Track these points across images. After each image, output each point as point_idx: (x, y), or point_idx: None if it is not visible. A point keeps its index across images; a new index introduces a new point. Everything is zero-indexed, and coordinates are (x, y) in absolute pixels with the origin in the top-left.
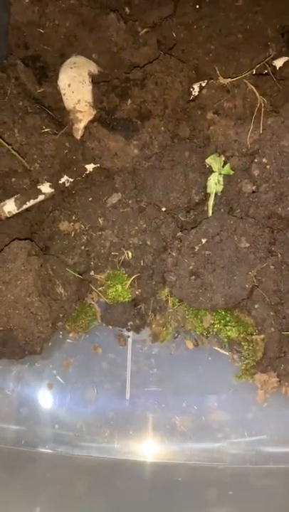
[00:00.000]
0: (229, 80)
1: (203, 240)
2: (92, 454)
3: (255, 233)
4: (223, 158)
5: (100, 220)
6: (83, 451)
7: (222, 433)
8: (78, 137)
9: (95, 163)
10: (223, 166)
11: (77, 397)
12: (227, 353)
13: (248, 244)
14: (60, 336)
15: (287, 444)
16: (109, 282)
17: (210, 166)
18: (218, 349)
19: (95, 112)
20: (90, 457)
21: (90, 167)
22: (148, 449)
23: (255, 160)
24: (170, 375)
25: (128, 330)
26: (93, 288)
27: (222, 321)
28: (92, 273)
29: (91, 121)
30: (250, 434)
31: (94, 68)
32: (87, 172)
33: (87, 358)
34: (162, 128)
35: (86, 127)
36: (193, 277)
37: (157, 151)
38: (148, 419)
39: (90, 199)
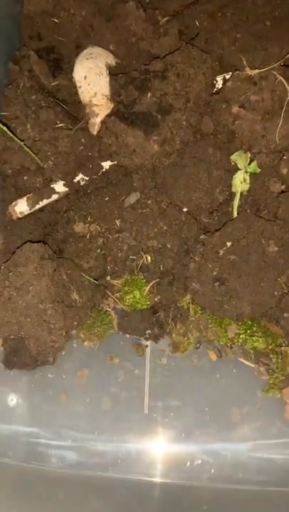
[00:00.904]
0: (256, 71)
1: (228, 244)
2: (105, 470)
3: (284, 236)
4: (249, 155)
5: (117, 221)
6: (96, 467)
7: (246, 450)
8: (94, 133)
9: (112, 161)
10: (249, 164)
11: (93, 409)
12: (253, 365)
13: (276, 248)
14: (75, 345)
15: None
16: (126, 288)
17: (235, 164)
18: (244, 361)
19: (112, 106)
20: (102, 475)
21: (106, 164)
22: (166, 467)
23: (284, 157)
24: (191, 388)
25: (146, 339)
26: (109, 294)
27: (248, 331)
28: (108, 278)
29: (108, 116)
30: (276, 452)
31: (111, 59)
32: (104, 170)
33: (102, 369)
34: (184, 123)
35: (103, 122)
36: (217, 284)
37: (179, 147)
38: (167, 434)
39: (107, 199)
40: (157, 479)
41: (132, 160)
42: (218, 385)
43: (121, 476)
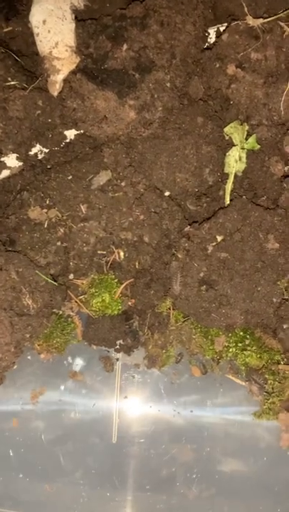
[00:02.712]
0: (260, 21)
1: (219, 238)
2: None
3: (286, 229)
4: (247, 128)
5: (82, 206)
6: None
7: (234, 489)
8: (55, 93)
9: (77, 130)
10: (246, 138)
11: (50, 434)
12: (244, 384)
13: (276, 245)
14: (29, 357)
15: None
16: (93, 290)
17: (229, 138)
18: (233, 378)
19: (78, 60)
20: None
21: (70, 134)
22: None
23: None
24: (168, 411)
25: (117, 351)
26: (72, 296)
27: (239, 344)
28: (71, 277)
29: (73, 73)
30: (269, 491)
31: (78, 0)
32: (67, 141)
33: (62, 387)
34: (168, 84)
35: (66, 80)
36: (205, 287)
37: (161, 115)
38: (137, 469)
39: (70, 178)
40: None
41: (102, 129)
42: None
43: None
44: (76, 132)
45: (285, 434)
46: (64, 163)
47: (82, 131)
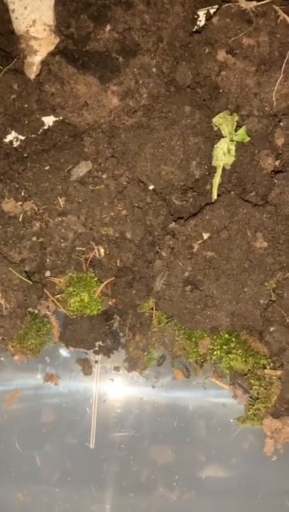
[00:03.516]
0: (253, 3)
1: (205, 236)
2: None
3: (275, 227)
4: (236, 118)
5: (60, 199)
6: None
7: (218, 500)
8: (32, 76)
9: (56, 116)
10: (236, 130)
11: (24, 440)
12: (228, 387)
13: (265, 244)
14: (2, 359)
15: None
16: (71, 289)
17: (218, 129)
18: (216, 381)
19: (57, 41)
20: None
21: (48, 121)
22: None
23: (281, 124)
24: (149, 416)
25: (96, 353)
26: (49, 295)
27: (224, 347)
28: (47, 274)
29: (52, 54)
30: (254, 499)
31: None
32: (45, 128)
33: (38, 391)
34: (154, 69)
35: (44, 62)
36: (190, 287)
37: (146, 102)
38: (117, 475)
39: (48, 168)
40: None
41: (82, 116)
42: (183, 410)
43: None
44: (54, 119)
45: (269, 440)
46: (41, 151)
47: (61, 118)
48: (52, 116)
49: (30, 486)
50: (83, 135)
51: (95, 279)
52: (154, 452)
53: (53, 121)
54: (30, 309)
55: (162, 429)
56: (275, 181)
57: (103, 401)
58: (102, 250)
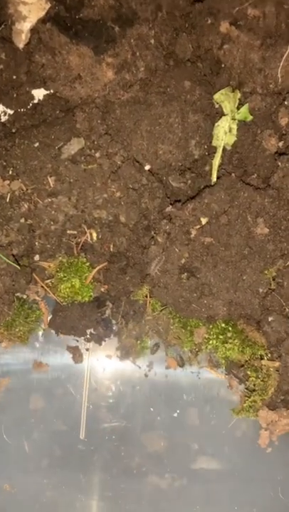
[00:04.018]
0: None
1: (204, 220)
2: None
3: (277, 213)
4: (239, 96)
5: (50, 179)
6: None
7: (210, 489)
8: (21, 45)
9: (46, 89)
10: (238, 108)
11: (12, 431)
12: (223, 378)
13: (266, 230)
14: None
15: None
16: (62, 274)
17: (219, 106)
18: (211, 371)
19: (48, 6)
20: None
21: (39, 94)
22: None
23: (286, 102)
24: (141, 406)
25: (87, 341)
26: (38, 280)
27: (221, 337)
28: (36, 258)
29: (42, 21)
30: (247, 492)
31: None
32: (35, 102)
33: (26, 379)
34: (152, 41)
35: (34, 30)
36: (186, 275)
37: (143, 76)
38: (108, 466)
39: (37, 145)
40: None
41: (75, 90)
42: (177, 400)
43: None
44: (45, 92)
45: (264, 432)
46: (30, 127)
47: (52, 92)
48: (42, 90)
49: (18, 475)
50: (75, 110)
51: (87, 264)
52: (146, 440)
53: (44, 95)
54: (18, 295)
55: (155, 419)
56: (279, 164)
57: (94, 390)
58: (94, 234)
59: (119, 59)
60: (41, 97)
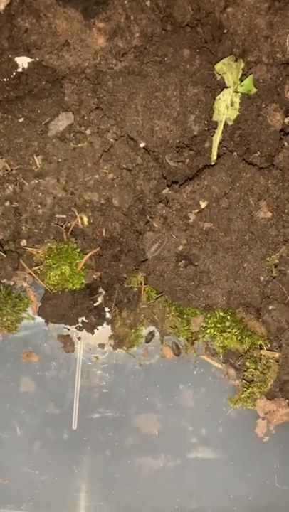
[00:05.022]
0: None
1: (203, 204)
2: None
3: (281, 195)
4: (242, 66)
5: (36, 158)
6: None
7: (206, 477)
8: (1, 7)
9: (31, 57)
10: (241, 80)
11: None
12: (220, 366)
13: (269, 214)
14: None
15: None
16: (51, 261)
17: (221, 78)
18: (208, 359)
19: None
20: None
21: (23, 62)
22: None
23: None
24: (136, 396)
25: (79, 329)
26: (26, 266)
27: (218, 326)
28: (23, 243)
29: None
30: (243, 479)
31: None
32: (19, 71)
33: (15, 369)
34: (148, 3)
35: None
36: (183, 262)
37: (138, 43)
38: (102, 460)
39: (22, 120)
40: None
41: (62, 58)
42: (173, 390)
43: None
44: (30, 60)
45: (261, 421)
46: (14, 99)
47: (37, 60)
48: (27, 58)
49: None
50: (63, 81)
51: (78, 250)
52: (140, 423)
53: (28, 64)
54: (4, 281)
55: (150, 409)
56: (285, 143)
57: (86, 378)
58: (85, 218)
59: (111, 23)
60: (25, 66)
